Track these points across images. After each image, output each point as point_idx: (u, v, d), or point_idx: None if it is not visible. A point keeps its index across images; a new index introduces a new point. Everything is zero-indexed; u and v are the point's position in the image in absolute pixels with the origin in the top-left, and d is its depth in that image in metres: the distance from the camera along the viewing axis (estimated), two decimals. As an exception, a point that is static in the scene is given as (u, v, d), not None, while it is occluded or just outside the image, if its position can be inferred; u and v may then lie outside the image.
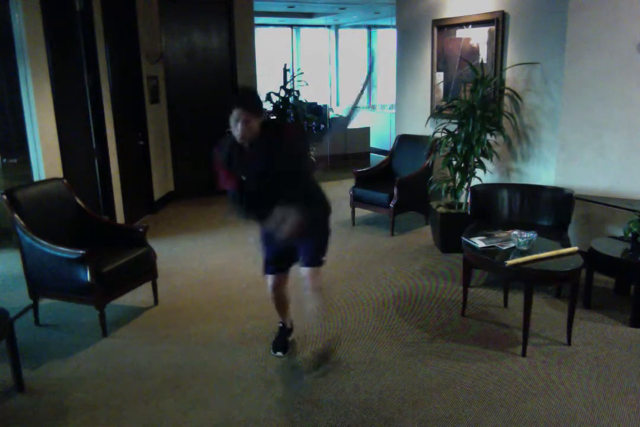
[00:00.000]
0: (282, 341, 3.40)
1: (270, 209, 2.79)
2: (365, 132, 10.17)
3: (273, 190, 2.84)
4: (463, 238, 3.73)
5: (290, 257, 3.15)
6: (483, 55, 5.25)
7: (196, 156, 7.33)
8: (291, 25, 12.59)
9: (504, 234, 3.68)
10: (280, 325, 3.45)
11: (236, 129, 2.68)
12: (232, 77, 7.33)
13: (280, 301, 3.34)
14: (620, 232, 4.11)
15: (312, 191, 3.03)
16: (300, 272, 3.12)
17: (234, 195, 2.96)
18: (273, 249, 3.13)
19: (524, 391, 2.94)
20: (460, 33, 5.55)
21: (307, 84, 7.84)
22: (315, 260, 3.08)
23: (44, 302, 3.92)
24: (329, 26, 12.91)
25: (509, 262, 3.25)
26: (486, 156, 4.88)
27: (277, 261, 3.18)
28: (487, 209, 4.41)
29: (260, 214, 2.87)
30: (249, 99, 2.75)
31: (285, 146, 2.77)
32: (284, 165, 2.79)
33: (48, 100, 4.44)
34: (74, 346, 3.48)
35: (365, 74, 3.38)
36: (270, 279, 3.22)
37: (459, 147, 4.83)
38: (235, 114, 2.64)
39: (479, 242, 3.59)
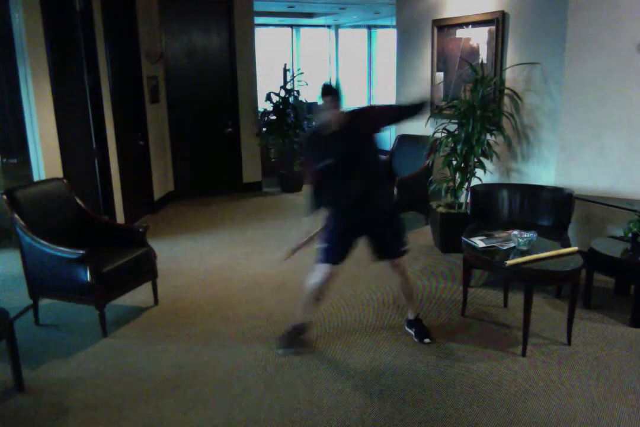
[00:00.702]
0: (298, 338, 3.43)
1: (355, 191, 3.16)
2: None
3: (356, 171, 3.13)
4: (463, 238, 3.73)
5: (352, 249, 3.34)
6: (483, 55, 5.25)
7: (196, 156, 7.34)
8: (291, 25, 12.57)
9: (504, 234, 3.68)
10: (304, 324, 3.45)
11: (327, 113, 3.09)
12: (232, 77, 7.34)
13: (323, 296, 3.39)
14: (620, 232, 4.11)
15: (384, 183, 3.52)
16: (389, 263, 3.38)
17: (317, 188, 3.27)
18: (346, 238, 3.28)
19: (524, 391, 2.94)
20: (460, 33, 5.55)
21: (307, 84, 7.84)
22: (399, 248, 3.36)
23: (44, 302, 3.92)
24: (329, 26, 12.89)
25: (509, 262, 3.25)
26: (486, 156, 4.88)
27: (345, 251, 3.28)
28: (487, 209, 4.40)
29: (345, 196, 3.18)
30: (334, 89, 3.12)
31: (369, 121, 3.16)
32: (365, 143, 3.19)
33: (48, 100, 4.44)
34: (74, 346, 3.48)
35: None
36: (329, 268, 3.26)
37: (459, 147, 4.83)
38: (325, 100, 3.06)
39: (479, 242, 3.59)
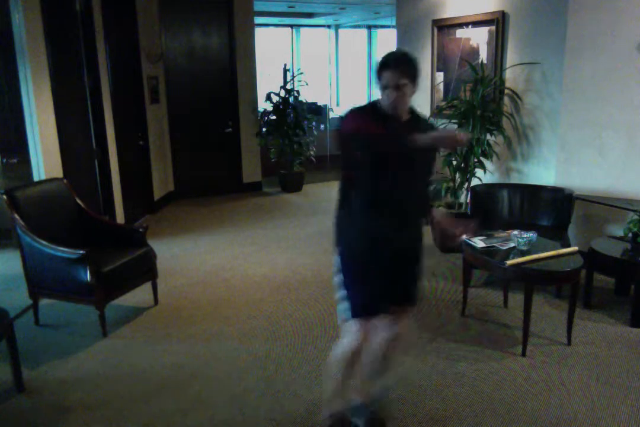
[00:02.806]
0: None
1: (398, 202, 2.29)
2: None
3: (409, 180, 2.29)
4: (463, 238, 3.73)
5: (396, 290, 2.42)
6: (483, 55, 5.25)
7: (196, 156, 7.34)
8: (291, 25, 12.58)
9: (504, 234, 3.68)
10: (343, 409, 2.56)
11: (385, 97, 2.17)
12: (232, 77, 7.34)
13: (360, 361, 2.47)
14: (620, 232, 4.11)
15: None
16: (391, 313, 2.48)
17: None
18: (380, 275, 2.34)
19: (524, 391, 2.94)
20: (460, 33, 5.55)
21: (307, 84, 7.84)
22: (418, 294, 2.51)
23: (44, 302, 3.92)
24: (329, 26, 12.90)
25: (509, 262, 3.25)
26: (486, 156, 4.88)
27: (384, 295, 2.38)
28: (487, 209, 4.41)
29: (384, 203, 2.27)
30: (406, 60, 2.19)
31: (430, 160, 2.40)
32: (424, 163, 2.35)
33: (48, 100, 4.44)
34: (74, 346, 3.48)
35: None
36: (362, 326, 2.33)
37: (459, 147, 4.83)
38: (386, 76, 2.14)
39: (479, 242, 3.59)
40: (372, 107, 2.30)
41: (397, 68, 2.12)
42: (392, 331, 2.49)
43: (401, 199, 2.30)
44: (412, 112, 2.30)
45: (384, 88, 2.15)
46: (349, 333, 2.36)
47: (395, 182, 2.25)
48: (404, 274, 2.43)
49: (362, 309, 2.33)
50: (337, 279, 2.40)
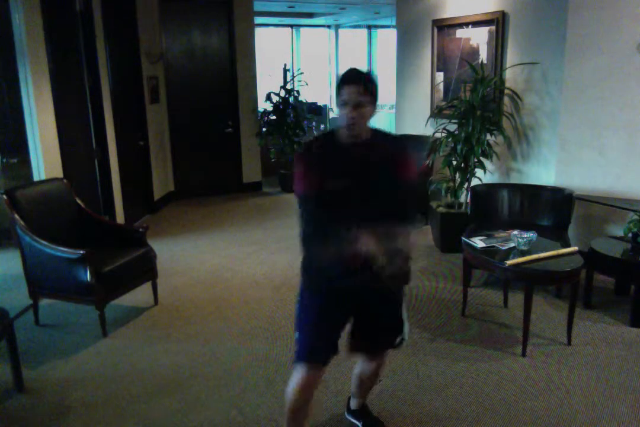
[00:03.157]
0: None
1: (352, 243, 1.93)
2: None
3: (373, 209, 2.05)
4: (463, 238, 3.73)
5: (352, 332, 2.23)
6: (483, 55, 5.25)
7: (196, 156, 7.34)
8: (291, 25, 12.58)
9: (504, 234, 3.68)
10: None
11: (344, 115, 2.01)
12: (232, 77, 7.34)
13: (308, 408, 2.25)
14: (620, 232, 4.11)
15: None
16: (365, 358, 2.35)
17: (307, 206, 2.11)
18: (332, 315, 2.14)
19: (524, 390, 2.94)
20: (460, 33, 5.55)
21: (307, 84, 7.85)
22: (398, 336, 2.29)
23: (44, 302, 3.92)
24: (329, 26, 12.91)
25: (509, 262, 3.25)
26: (486, 156, 4.88)
27: (331, 338, 2.16)
28: (487, 209, 4.41)
29: (343, 240, 1.94)
30: (369, 77, 2.04)
31: (399, 176, 2.10)
32: (388, 194, 2.08)
33: (48, 100, 4.44)
34: (74, 346, 3.48)
35: None
36: (306, 370, 2.13)
37: (459, 147, 4.83)
38: (345, 93, 1.99)
39: (479, 242, 3.59)
40: (327, 137, 2.17)
41: (359, 84, 1.98)
42: (367, 366, 2.39)
43: (358, 217, 2.00)
44: (375, 132, 2.13)
45: (343, 104, 2.00)
46: (291, 381, 2.17)
47: (354, 213, 2.03)
48: (367, 317, 2.21)
49: (305, 353, 2.14)
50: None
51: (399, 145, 2.21)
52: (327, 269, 2.06)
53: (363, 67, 2.07)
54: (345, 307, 2.17)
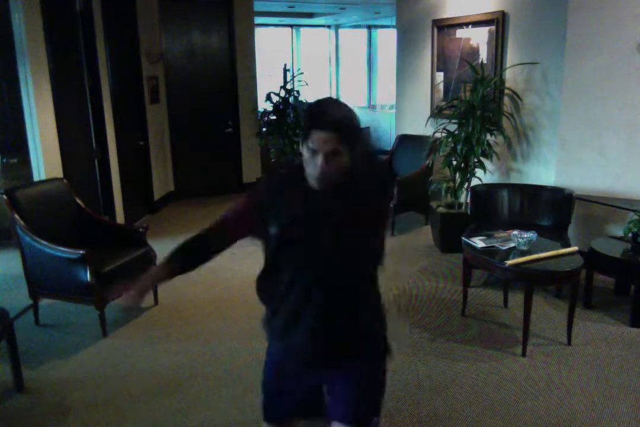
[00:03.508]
0: None
1: (316, 299, 1.70)
2: (365, 132, 10.16)
3: (327, 274, 1.70)
4: (463, 238, 3.73)
5: (312, 402, 1.84)
6: (483, 55, 5.25)
7: (196, 156, 7.34)
8: (291, 25, 12.58)
9: (504, 234, 3.68)
10: None
11: (312, 164, 1.59)
12: (232, 77, 7.34)
13: None
14: (620, 232, 4.11)
15: (375, 296, 1.84)
16: None
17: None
18: (289, 380, 1.85)
19: (524, 391, 2.94)
20: (460, 33, 5.55)
21: (307, 84, 7.84)
22: (363, 414, 1.78)
23: (44, 302, 3.92)
24: (329, 26, 12.90)
25: (509, 262, 3.25)
26: (486, 156, 4.88)
27: (290, 403, 1.88)
28: (487, 209, 4.41)
29: (296, 302, 1.73)
30: (347, 120, 1.59)
31: (374, 213, 1.75)
32: (361, 241, 1.72)
33: (48, 100, 4.44)
34: (73, 346, 3.48)
35: None
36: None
37: (459, 147, 4.83)
38: (315, 138, 1.56)
39: (479, 242, 3.59)
40: (292, 175, 1.75)
41: (335, 131, 1.54)
42: None
43: (320, 291, 1.70)
44: (354, 169, 1.64)
45: (312, 152, 1.58)
46: None
47: (306, 270, 1.71)
48: (335, 390, 1.80)
49: (266, 412, 1.91)
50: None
51: (377, 188, 1.80)
52: (292, 332, 1.80)
53: (339, 102, 1.63)
54: (309, 373, 1.85)
